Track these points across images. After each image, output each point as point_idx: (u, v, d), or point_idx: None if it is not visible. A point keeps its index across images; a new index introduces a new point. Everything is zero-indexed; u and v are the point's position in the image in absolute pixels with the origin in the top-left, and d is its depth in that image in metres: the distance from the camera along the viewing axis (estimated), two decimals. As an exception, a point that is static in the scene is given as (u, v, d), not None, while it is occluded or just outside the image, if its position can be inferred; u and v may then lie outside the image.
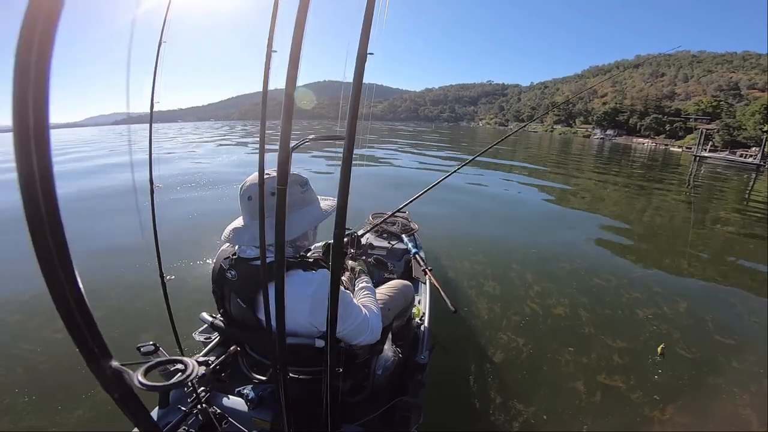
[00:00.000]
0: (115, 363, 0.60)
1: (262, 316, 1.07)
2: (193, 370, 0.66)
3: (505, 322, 2.88)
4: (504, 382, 2.25)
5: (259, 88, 0.83)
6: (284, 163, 0.70)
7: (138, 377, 0.62)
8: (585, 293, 3.40)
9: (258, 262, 1.10)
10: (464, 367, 2.36)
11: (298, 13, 0.64)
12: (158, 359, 0.67)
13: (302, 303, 1.07)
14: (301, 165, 10.85)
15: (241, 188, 1.15)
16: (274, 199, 0.73)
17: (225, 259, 1.17)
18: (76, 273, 0.52)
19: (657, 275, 3.97)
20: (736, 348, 2.70)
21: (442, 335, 2.63)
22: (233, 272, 1.13)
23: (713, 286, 3.85)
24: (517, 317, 2.94)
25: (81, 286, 0.53)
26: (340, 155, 0.64)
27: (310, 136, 1.02)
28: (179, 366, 0.72)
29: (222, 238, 1.17)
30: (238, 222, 1.19)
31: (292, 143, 0.77)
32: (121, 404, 0.61)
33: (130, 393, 0.63)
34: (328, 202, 1.23)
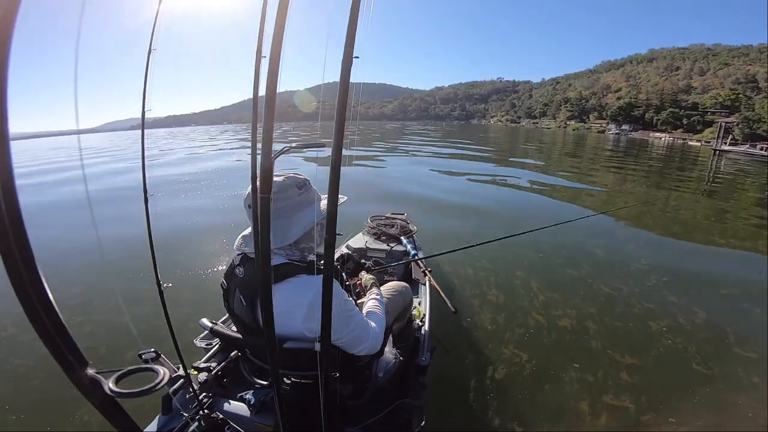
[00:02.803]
0: (90, 371, 0.62)
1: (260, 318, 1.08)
2: (164, 377, 0.68)
3: (509, 334, 2.76)
4: (504, 401, 2.14)
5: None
6: (267, 172, 0.68)
7: (109, 385, 0.63)
8: (593, 303, 3.24)
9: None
10: (464, 385, 2.25)
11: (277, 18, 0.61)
12: (129, 368, 0.69)
13: (299, 308, 1.07)
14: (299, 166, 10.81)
15: (243, 198, 1.16)
16: (270, 206, 0.71)
17: (238, 255, 1.20)
18: (44, 282, 0.55)
19: (673, 283, 3.71)
20: (758, 362, 2.52)
21: (445, 344, 2.55)
22: (241, 269, 1.16)
23: (736, 295, 3.59)
24: (521, 329, 2.82)
25: (50, 296, 0.55)
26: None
27: (293, 144, 0.97)
28: (152, 374, 0.74)
29: (234, 247, 1.20)
30: (248, 230, 1.21)
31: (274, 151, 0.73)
32: (101, 410, 0.64)
33: (111, 399, 0.64)
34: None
